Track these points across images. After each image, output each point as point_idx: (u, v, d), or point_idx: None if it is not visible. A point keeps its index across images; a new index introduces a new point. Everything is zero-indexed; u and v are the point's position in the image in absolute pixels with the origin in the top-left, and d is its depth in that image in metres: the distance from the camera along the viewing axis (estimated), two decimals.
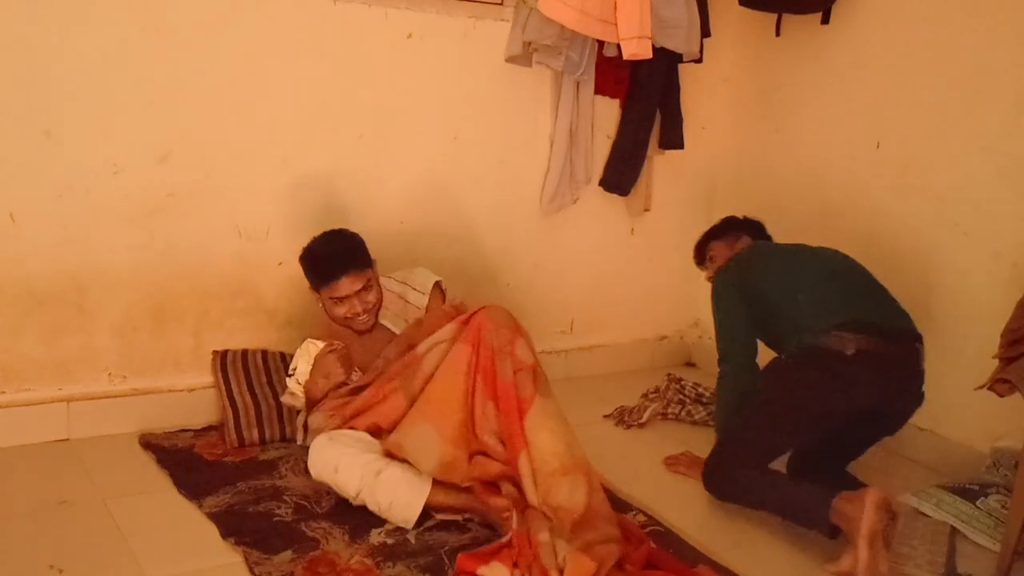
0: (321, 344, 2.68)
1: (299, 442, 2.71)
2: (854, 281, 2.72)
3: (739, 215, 3.18)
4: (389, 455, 2.39)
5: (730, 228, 3.13)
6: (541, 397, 2.40)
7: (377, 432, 2.48)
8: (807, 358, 2.56)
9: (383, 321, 2.78)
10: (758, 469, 2.53)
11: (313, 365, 2.66)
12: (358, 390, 2.58)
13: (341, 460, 2.34)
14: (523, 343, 2.47)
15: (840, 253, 2.83)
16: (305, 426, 2.66)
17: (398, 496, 2.31)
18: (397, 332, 2.75)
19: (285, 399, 2.77)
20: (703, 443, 3.12)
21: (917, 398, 2.67)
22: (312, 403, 2.64)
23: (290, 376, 2.71)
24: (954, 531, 2.58)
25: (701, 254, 3.16)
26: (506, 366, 2.40)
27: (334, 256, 2.65)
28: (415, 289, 2.82)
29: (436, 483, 2.34)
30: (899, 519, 2.51)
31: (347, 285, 2.62)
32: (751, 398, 2.67)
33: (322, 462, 2.37)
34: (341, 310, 2.65)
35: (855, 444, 2.77)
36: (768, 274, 2.79)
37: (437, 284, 2.85)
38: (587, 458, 2.41)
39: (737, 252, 2.98)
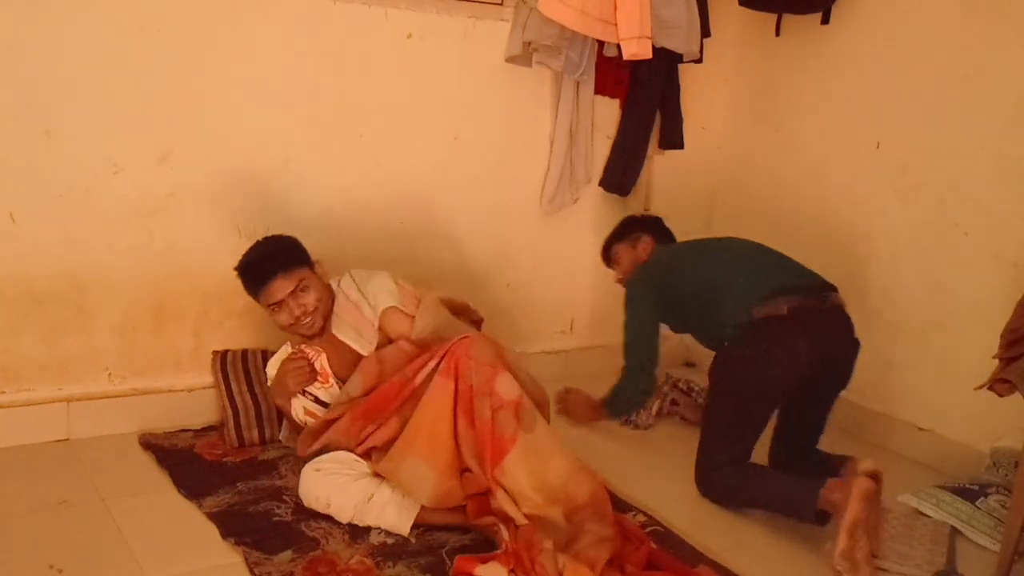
0: (287, 351, 2.67)
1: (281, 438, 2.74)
2: (766, 257, 2.83)
3: (638, 214, 3.24)
4: (379, 475, 2.38)
5: (630, 229, 3.17)
6: (525, 433, 2.31)
7: (369, 454, 2.43)
8: (747, 334, 2.63)
9: (336, 331, 2.64)
10: (741, 466, 2.61)
11: (276, 373, 2.65)
12: (329, 423, 2.49)
13: (333, 495, 2.33)
14: (505, 377, 2.35)
15: (742, 238, 2.95)
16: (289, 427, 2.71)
17: (385, 519, 2.32)
18: (353, 346, 2.63)
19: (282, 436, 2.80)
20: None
21: (854, 344, 2.72)
22: (283, 412, 2.67)
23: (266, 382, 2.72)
24: (954, 531, 2.58)
25: (607, 257, 3.21)
26: (484, 406, 2.31)
27: (261, 260, 2.57)
28: (368, 303, 2.66)
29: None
30: (885, 509, 2.55)
31: (278, 288, 2.52)
32: (710, 396, 2.79)
33: (313, 498, 2.35)
34: (282, 317, 2.56)
35: (816, 408, 2.79)
36: (687, 275, 2.88)
37: (393, 308, 2.62)
38: (586, 464, 2.39)
39: (639, 252, 3.09)
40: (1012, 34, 2.84)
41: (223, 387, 2.87)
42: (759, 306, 2.62)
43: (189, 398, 2.91)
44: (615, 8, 3.02)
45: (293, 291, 2.54)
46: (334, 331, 2.64)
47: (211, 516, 2.34)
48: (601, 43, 3.26)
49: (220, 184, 2.87)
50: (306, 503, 2.38)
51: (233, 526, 2.29)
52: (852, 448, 3.21)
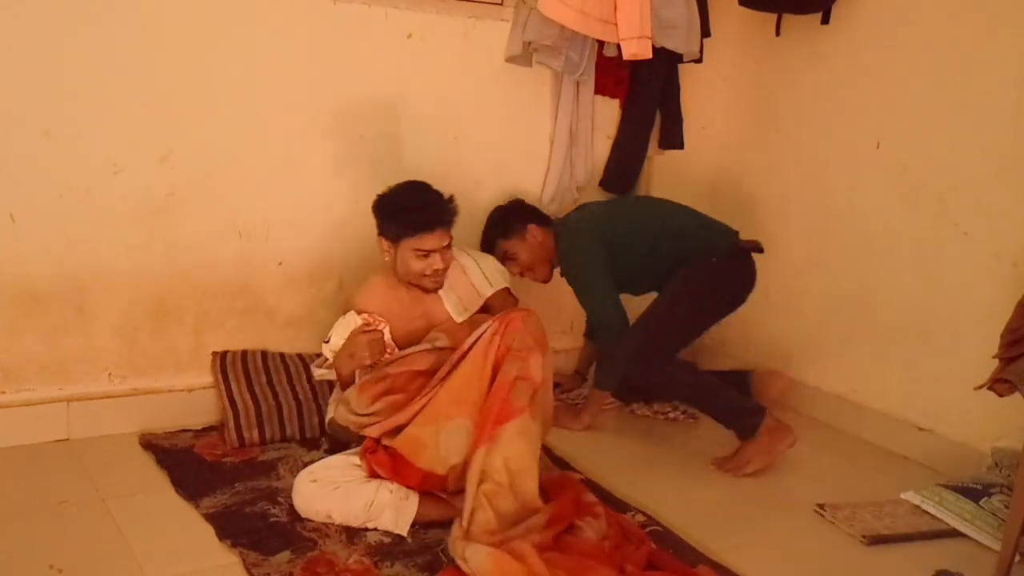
0: (360, 320, 2.63)
1: (330, 416, 2.64)
2: (696, 211, 3.26)
3: (499, 207, 3.23)
4: (373, 474, 2.37)
5: (509, 223, 3.15)
6: (529, 417, 2.31)
7: (395, 431, 2.41)
8: (733, 258, 3.12)
9: (442, 294, 2.70)
10: (693, 366, 3.11)
11: (346, 341, 2.60)
12: (384, 378, 2.49)
13: (333, 507, 2.31)
14: (538, 358, 2.39)
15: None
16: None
17: (382, 523, 2.32)
18: (449, 309, 2.68)
19: (317, 373, 2.72)
20: (699, 443, 3.12)
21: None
22: (338, 378, 2.61)
23: (325, 343, 2.66)
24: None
25: (499, 258, 3.09)
26: (511, 368, 2.35)
27: (431, 206, 2.58)
28: (484, 274, 2.75)
29: (422, 500, 2.34)
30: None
31: (437, 239, 2.56)
32: (669, 294, 3.05)
33: (313, 511, 2.33)
34: (421, 264, 2.57)
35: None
36: (635, 217, 3.17)
37: (507, 289, 2.80)
38: (537, 494, 2.31)
39: (532, 242, 3.11)
40: (1012, 34, 2.84)
41: (223, 387, 2.87)
42: (725, 243, 3.13)
43: (189, 398, 2.91)
44: (615, 8, 3.02)
45: (448, 245, 2.59)
46: (440, 292, 2.68)
47: (208, 517, 2.33)
48: (601, 43, 3.26)
49: (220, 184, 2.87)
50: (304, 515, 2.35)
51: (229, 527, 2.28)
52: (852, 447, 3.22)
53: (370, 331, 2.59)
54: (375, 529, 2.32)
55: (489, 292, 2.78)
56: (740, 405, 2.93)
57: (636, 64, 3.29)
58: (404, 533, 2.31)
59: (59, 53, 2.58)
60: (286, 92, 2.92)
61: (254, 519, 2.34)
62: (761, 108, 3.71)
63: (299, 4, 2.88)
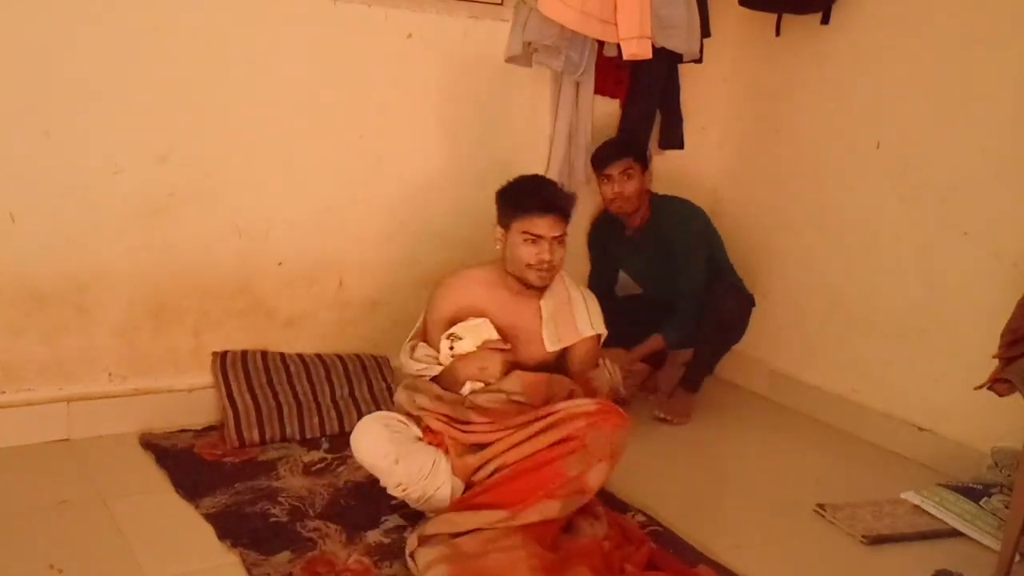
0: (495, 335, 2.55)
1: (409, 369, 2.58)
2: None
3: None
4: (431, 443, 2.37)
5: (646, 155, 3.42)
6: (561, 503, 2.26)
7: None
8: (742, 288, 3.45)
9: (542, 304, 2.60)
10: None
11: (480, 351, 2.51)
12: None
13: (402, 454, 2.29)
14: (603, 470, 2.30)
15: None
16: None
17: (440, 490, 2.31)
18: (545, 335, 2.58)
19: (415, 367, 2.58)
20: (699, 443, 3.12)
21: None
22: (451, 378, 2.52)
23: (450, 337, 2.54)
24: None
25: (615, 171, 3.31)
26: (574, 465, 2.26)
27: (545, 189, 2.58)
28: (588, 313, 2.64)
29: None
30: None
31: (548, 224, 2.48)
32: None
33: (382, 454, 2.29)
34: (530, 251, 2.49)
35: None
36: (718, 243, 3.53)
37: (599, 337, 2.68)
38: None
39: (649, 181, 3.36)
40: (1012, 34, 2.84)
41: (223, 387, 2.87)
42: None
43: (189, 398, 2.91)
44: (615, 8, 3.02)
45: (558, 236, 2.52)
46: (540, 302, 2.61)
47: (208, 517, 2.33)
48: (601, 43, 3.26)
49: (220, 184, 2.87)
50: (363, 455, 2.32)
51: (229, 527, 2.28)
52: (852, 447, 3.22)
53: (501, 349, 2.53)
54: (375, 528, 2.31)
55: (588, 333, 2.62)
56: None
57: (636, 64, 3.28)
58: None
59: (59, 53, 2.58)
60: (286, 92, 2.92)
61: (254, 519, 2.34)
62: (761, 108, 3.71)
63: (299, 4, 2.88)
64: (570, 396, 2.46)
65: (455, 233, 3.33)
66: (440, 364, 2.56)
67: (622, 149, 3.30)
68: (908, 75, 3.14)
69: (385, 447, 2.31)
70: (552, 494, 2.25)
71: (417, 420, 2.43)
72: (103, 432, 2.77)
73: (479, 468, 2.36)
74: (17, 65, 2.54)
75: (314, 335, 3.13)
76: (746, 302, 3.36)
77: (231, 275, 2.95)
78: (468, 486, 2.36)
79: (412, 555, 2.16)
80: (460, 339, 2.54)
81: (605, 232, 3.56)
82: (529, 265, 2.51)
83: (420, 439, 2.39)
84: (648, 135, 3.54)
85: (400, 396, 2.49)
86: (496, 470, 2.34)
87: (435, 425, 2.38)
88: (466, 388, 2.52)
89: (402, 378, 2.67)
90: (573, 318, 2.62)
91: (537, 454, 2.30)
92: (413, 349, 2.62)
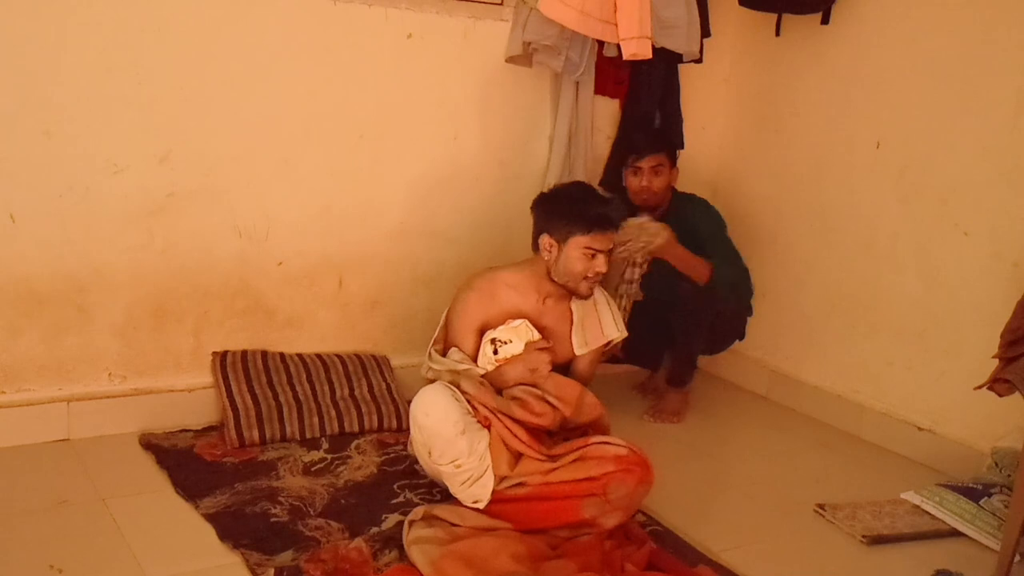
0: (537, 335, 2.56)
1: (449, 367, 2.51)
2: None
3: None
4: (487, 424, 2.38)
5: (676, 150, 3.41)
6: (570, 532, 2.32)
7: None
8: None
9: (574, 307, 2.64)
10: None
11: (525, 353, 2.52)
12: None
13: (469, 428, 2.29)
14: (619, 518, 2.35)
15: None
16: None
17: (482, 478, 2.32)
18: (574, 338, 2.62)
19: (445, 363, 2.53)
20: (699, 443, 3.12)
21: None
22: (498, 381, 2.51)
23: (494, 342, 2.53)
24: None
25: (668, 156, 3.32)
26: (593, 508, 2.31)
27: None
28: (613, 316, 2.68)
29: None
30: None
31: (609, 239, 2.53)
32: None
33: (451, 421, 2.29)
34: (585, 265, 2.51)
35: None
36: None
37: (617, 343, 2.73)
38: None
39: (675, 176, 3.33)
40: (1012, 35, 2.84)
41: (223, 387, 2.86)
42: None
43: (189, 398, 2.91)
44: (615, 8, 3.02)
45: (610, 250, 2.56)
46: (571, 304, 2.63)
47: (208, 517, 2.34)
48: (601, 43, 3.26)
49: (220, 184, 2.87)
50: (430, 419, 2.30)
51: (230, 528, 2.28)
52: (852, 447, 3.22)
53: (547, 349, 2.55)
54: (382, 522, 2.33)
55: (613, 336, 2.67)
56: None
57: (636, 64, 3.29)
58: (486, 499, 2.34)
59: (59, 53, 2.57)
60: (286, 92, 2.92)
61: (254, 519, 2.34)
62: (761, 108, 3.71)
63: (299, 4, 2.88)
64: (597, 420, 2.52)
65: (455, 233, 3.33)
66: (478, 368, 2.54)
67: (656, 144, 3.26)
68: (908, 75, 3.14)
69: (456, 416, 2.30)
70: (562, 526, 2.31)
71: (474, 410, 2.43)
72: (103, 432, 2.77)
73: (504, 477, 2.37)
74: (17, 65, 2.53)
75: (314, 335, 3.13)
76: (744, 312, 3.33)
77: (231, 275, 2.95)
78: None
79: (411, 523, 2.21)
80: (506, 343, 2.53)
81: None
82: (586, 278, 2.54)
83: (473, 416, 2.38)
84: None
85: (453, 377, 2.46)
86: (519, 484, 2.35)
87: (482, 410, 2.38)
88: (516, 392, 2.52)
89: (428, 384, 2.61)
90: (599, 321, 2.66)
91: (559, 485, 2.32)
92: (440, 354, 2.58)
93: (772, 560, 2.40)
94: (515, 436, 2.38)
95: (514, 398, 2.46)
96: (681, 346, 3.30)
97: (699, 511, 2.63)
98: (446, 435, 2.29)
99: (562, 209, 2.55)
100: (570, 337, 2.62)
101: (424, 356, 2.61)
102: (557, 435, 2.52)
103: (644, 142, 3.26)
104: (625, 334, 2.71)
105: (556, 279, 2.57)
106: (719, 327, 3.27)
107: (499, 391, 2.50)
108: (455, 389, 2.41)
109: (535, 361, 2.51)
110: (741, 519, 2.62)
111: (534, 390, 2.48)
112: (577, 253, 2.51)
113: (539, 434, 2.45)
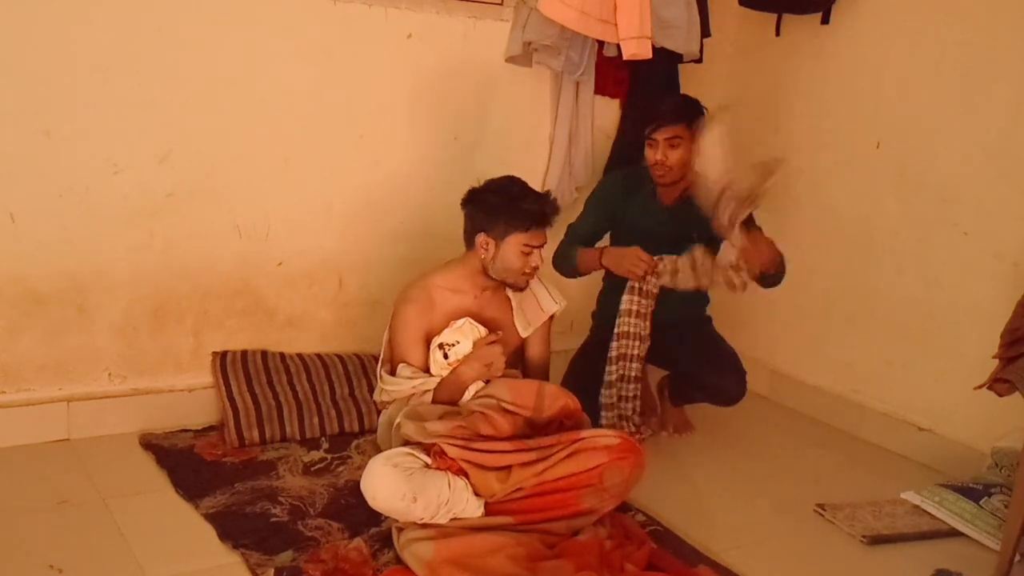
0: (483, 330, 2.56)
1: (401, 391, 2.53)
2: None
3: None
4: (441, 468, 2.31)
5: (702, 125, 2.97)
6: (567, 524, 2.31)
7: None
8: None
9: (510, 292, 2.67)
10: None
11: (476, 350, 2.52)
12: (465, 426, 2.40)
13: (418, 491, 2.22)
14: (612, 505, 2.38)
15: None
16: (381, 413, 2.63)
17: (463, 509, 2.28)
18: (517, 322, 2.66)
19: (406, 386, 2.54)
20: (699, 443, 3.12)
21: None
22: (455, 385, 2.51)
23: (442, 347, 2.53)
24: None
25: (667, 136, 2.95)
26: (589, 499, 2.32)
27: (543, 201, 2.54)
28: (548, 291, 2.71)
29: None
30: None
31: (544, 237, 2.55)
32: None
33: (399, 495, 2.21)
34: (523, 261, 2.54)
35: None
36: None
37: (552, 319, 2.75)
38: None
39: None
40: (1012, 34, 2.84)
41: (223, 387, 2.86)
42: None
43: (189, 398, 2.91)
44: (615, 8, 3.02)
45: (543, 245, 2.59)
46: (507, 292, 2.67)
47: (208, 517, 2.34)
48: (601, 43, 3.26)
49: (220, 184, 2.87)
50: (379, 501, 2.24)
51: (230, 528, 2.28)
52: (852, 447, 3.22)
53: (496, 340, 2.55)
54: (381, 522, 2.31)
55: (553, 310, 2.70)
56: None
57: (636, 64, 3.28)
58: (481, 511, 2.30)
59: (59, 53, 2.57)
60: (286, 92, 2.92)
61: (255, 519, 2.33)
62: (761, 108, 3.71)
63: (299, 4, 2.88)
64: (563, 409, 2.47)
65: (455, 233, 3.31)
66: (433, 377, 2.54)
67: (674, 115, 2.90)
68: (908, 75, 3.14)
69: (400, 488, 2.22)
70: (561, 518, 2.31)
71: (427, 447, 2.36)
72: (103, 432, 2.77)
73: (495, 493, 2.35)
74: (17, 65, 2.54)
75: (314, 335, 3.13)
76: (742, 387, 3.09)
77: (231, 275, 2.95)
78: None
79: (399, 529, 2.21)
80: (454, 345, 2.54)
81: (621, 194, 3.12)
82: (524, 273, 2.58)
83: (428, 466, 2.31)
84: None
85: (407, 428, 2.39)
86: (515, 491, 2.34)
87: (452, 452, 2.31)
88: (470, 392, 2.52)
89: (384, 407, 2.63)
90: (536, 299, 2.71)
91: (555, 482, 2.32)
92: (389, 374, 2.60)
93: (772, 560, 2.40)
94: (495, 453, 2.33)
95: (472, 412, 2.42)
96: (686, 392, 3.20)
97: (699, 511, 2.63)
98: (399, 509, 2.24)
99: (498, 207, 2.54)
100: (513, 322, 2.66)
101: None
102: (532, 434, 2.47)
103: (661, 112, 2.93)
104: (563, 303, 2.70)
105: (493, 275, 2.60)
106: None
107: (461, 396, 2.51)
108: (395, 452, 2.33)
109: (487, 355, 2.52)
110: (741, 519, 2.62)
111: (490, 401, 2.44)
112: (515, 250, 2.54)
113: (517, 429, 2.43)
